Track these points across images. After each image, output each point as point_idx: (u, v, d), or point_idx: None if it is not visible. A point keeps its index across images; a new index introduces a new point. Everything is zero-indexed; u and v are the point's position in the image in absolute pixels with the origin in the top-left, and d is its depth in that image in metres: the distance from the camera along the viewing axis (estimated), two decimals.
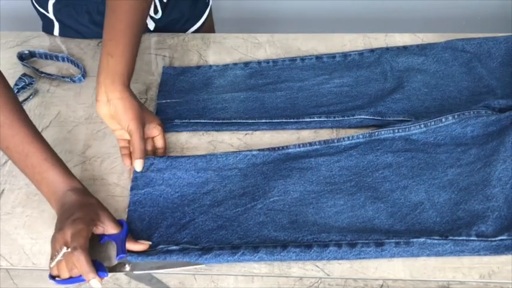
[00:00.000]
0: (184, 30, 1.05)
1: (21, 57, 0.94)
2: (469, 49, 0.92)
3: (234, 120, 0.84)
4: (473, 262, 0.68)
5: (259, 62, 0.93)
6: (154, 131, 0.79)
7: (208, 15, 1.11)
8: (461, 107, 0.83)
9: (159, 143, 0.80)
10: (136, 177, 0.77)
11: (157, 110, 0.87)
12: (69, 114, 0.87)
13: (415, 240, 0.68)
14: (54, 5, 0.96)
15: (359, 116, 0.83)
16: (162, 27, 1.00)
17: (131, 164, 0.77)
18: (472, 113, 0.80)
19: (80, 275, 0.65)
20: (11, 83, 0.90)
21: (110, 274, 0.68)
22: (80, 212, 0.66)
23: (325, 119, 0.83)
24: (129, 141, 0.78)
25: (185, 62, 0.95)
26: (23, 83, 0.90)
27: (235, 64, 0.93)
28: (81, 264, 0.64)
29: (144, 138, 0.77)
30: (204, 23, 1.10)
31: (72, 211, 0.67)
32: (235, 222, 0.72)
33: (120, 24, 0.76)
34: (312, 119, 0.84)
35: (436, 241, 0.67)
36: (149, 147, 0.80)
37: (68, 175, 0.71)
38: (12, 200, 0.76)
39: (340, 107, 0.86)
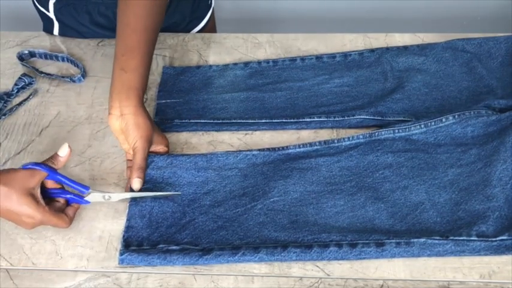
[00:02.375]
0: (187, 32, 1.05)
1: (21, 57, 0.94)
2: (469, 49, 0.92)
3: (234, 120, 0.84)
4: (473, 262, 0.68)
5: (259, 62, 0.93)
6: (161, 152, 0.79)
7: (210, 17, 1.11)
8: (461, 107, 0.83)
9: None
10: None
11: (157, 110, 0.87)
12: (69, 114, 0.87)
13: (415, 240, 0.68)
14: (55, 4, 0.96)
15: (359, 116, 0.83)
16: (163, 29, 1.00)
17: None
18: (472, 113, 0.80)
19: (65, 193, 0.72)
20: (11, 83, 0.90)
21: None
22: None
23: (325, 119, 0.83)
24: None
25: (185, 62, 0.95)
26: (23, 83, 0.90)
27: (235, 64, 0.93)
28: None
29: (147, 157, 0.75)
30: (205, 25, 1.09)
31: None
32: (236, 223, 0.72)
33: (133, 39, 0.75)
34: (312, 119, 0.83)
35: (436, 241, 0.67)
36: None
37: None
38: None
39: (340, 107, 0.86)
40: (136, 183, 0.73)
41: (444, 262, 0.68)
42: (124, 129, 0.73)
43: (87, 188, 0.72)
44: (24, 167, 0.68)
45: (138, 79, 0.74)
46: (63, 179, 0.70)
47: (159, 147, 0.78)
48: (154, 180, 0.76)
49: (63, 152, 0.71)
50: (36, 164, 0.68)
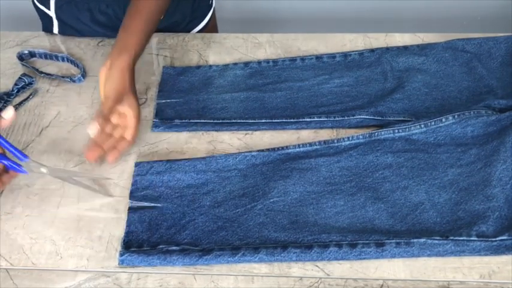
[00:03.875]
0: (187, 32, 1.05)
1: (21, 57, 0.94)
2: (469, 49, 0.92)
3: (234, 120, 0.84)
4: (473, 262, 0.68)
5: (259, 62, 0.93)
6: (128, 120, 0.78)
7: (211, 17, 1.11)
8: (461, 107, 0.83)
9: (128, 134, 0.78)
10: (136, 181, 0.77)
11: (157, 110, 0.87)
12: (69, 114, 0.87)
13: (415, 240, 0.68)
14: (56, 2, 0.96)
15: (359, 116, 0.83)
16: (163, 28, 1.00)
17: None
18: (472, 113, 0.80)
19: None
20: (11, 83, 0.90)
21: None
22: None
23: (325, 119, 0.83)
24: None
25: (185, 62, 0.95)
26: (23, 83, 0.90)
27: (235, 64, 0.93)
28: None
29: (113, 110, 0.77)
30: (206, 24, 1.09)
31: None
32: (235, 223, 0.72)
33: (140, 5, 0.82)
34: (312, 119, 0.83)
35: (436, 241, 0.67)
36: (116, 135, 0.78)
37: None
38: (12, 200, 0.76)
39: (340, 107, 0.86)
40: (93, 127, 0.76)
41: (444, 262, 0.68)
42: (107, 79, 0.78)
43: (26, 156, 0.73)
44: None
45: (135, 41, 0.80)
46: (2, 141, 0.71)
47: (130, 110, 0.78)
48: (154, 185, 0.76)
49: (8, 114, 0.72)
50: None
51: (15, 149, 0.72)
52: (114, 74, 0.78)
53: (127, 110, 0.78)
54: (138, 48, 0.80)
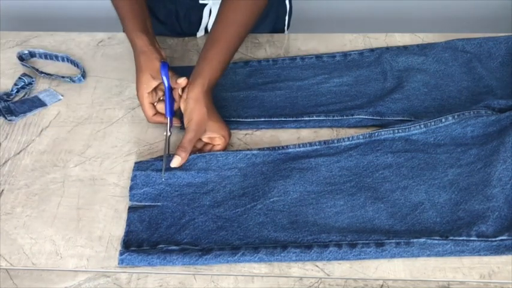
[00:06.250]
0: None
1: (21, 57, 0.94)
2: (469, 49, 0.92)
3: (233, 119, 0.84)
4: (473, 262, 0.68)
5: (259, 61, 0.93)
6: (217, 140, 0.80)
7: None
8: (461, 107, 0.83)
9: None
10: (135, 176, 0.77)
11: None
12: (69, 114, 0.87)
13: (415, 240, 0.68)
14: None
15: (358, 116, 0.83)
16: None
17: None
18: (472, 113, 0.80)
19: None
20: (11, 83, 0.90)
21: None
22: None
23: (324, 118, 0.83)
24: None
25: (185, 62, 0.95)
26: (23, 83, 0.90)
27: (235, 63, 0.93)
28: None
29: (195, 141, 0.78)
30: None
31: None
32: (235, 223, 0.72)
33: (218, 31, 0.81)
34: (310, 118, 0.84)
35: (436, 241, 0.67)
36: (207, 148, 0.81)
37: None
38: (11, 200, 0.76)
39: (339, 106, 0.86)
40: (175, 160, 0.76)
41: (444, 262, 0.68)
42: (185, 110, 0.79)
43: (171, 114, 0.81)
44: None
45: (208, 69, 0.79)
46: (167, 88, 0.80)
47: (214, 135, 0.79)
48: (154, 181, 0.76)
49: (182, 80, 0.80)
50: None
51: (169, 104, 0.80)
52: (190, 105, 0.78)
53: (216, 136, 0.79)
54: (212, 73, 0.79)
